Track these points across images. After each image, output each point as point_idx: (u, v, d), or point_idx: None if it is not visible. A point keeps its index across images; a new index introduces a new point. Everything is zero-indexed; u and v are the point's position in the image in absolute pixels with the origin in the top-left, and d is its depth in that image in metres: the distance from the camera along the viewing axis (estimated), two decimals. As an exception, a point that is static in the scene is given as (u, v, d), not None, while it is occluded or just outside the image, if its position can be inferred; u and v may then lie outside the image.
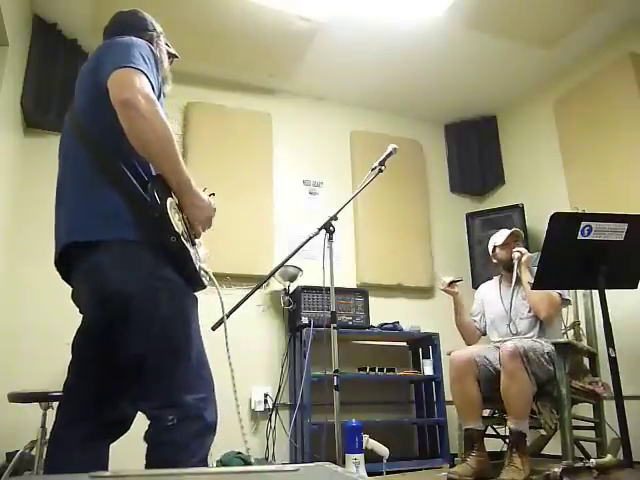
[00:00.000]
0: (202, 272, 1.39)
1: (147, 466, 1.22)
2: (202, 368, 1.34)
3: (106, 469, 1.34)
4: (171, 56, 1.68)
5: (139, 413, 1.40)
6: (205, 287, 1.42)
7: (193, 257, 1.34)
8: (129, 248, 1.27)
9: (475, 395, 2.57)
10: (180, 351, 1.29)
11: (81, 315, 1.41)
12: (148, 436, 1.24)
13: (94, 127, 1.35)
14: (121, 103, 1.24)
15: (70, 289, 1.44)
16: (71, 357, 1.39)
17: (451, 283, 2.89)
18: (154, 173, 1.35)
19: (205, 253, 1.47)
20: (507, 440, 2.58)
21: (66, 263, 1.36)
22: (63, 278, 1.43)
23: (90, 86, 1.38)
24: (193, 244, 1.38)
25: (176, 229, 1.28)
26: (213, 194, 1.49)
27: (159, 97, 1.38)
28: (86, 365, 1.36)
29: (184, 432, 1.22)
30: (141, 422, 1.40)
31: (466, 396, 2.58)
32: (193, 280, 1.36)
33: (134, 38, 1.42)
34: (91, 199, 1.30)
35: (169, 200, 1.30)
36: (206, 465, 1.28)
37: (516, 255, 2.78)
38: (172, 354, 1.27)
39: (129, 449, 1.47)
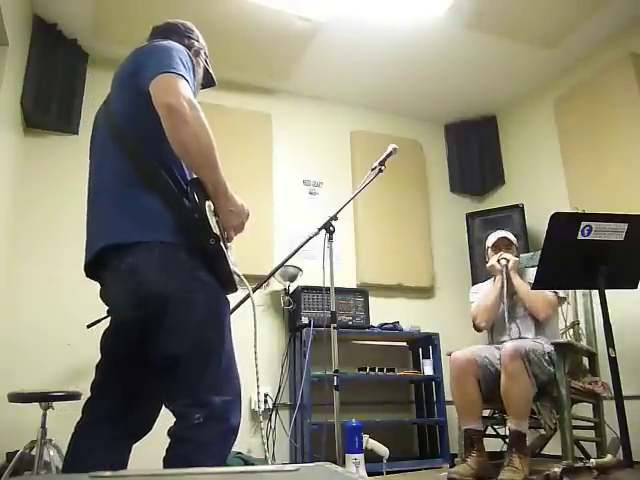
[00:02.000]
0: (235, 275, 1.40)
1: (166, 461, 1.23)
2: (231, 371, 1.35)
3: (126, 468, 1.35)
4: (209, 78, 1.70)
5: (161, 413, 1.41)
6: (237, 290, 1.43)
7: (228, 260, 1.36)
8: (167, 250, 1.28)
9: (475, 395, 2.57)
10: (212, 353, 1.30)
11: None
12: (172, 432, 1.25)
13: (133, 129, 1.35)
14: (165, 108, 1.25)
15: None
16: (100, 357, 1.41)
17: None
18: (189, 177, 1.36)
19: (235, 258, 1.48)
20: (507, 440, 2.57)
21: (97, 262, 1.35)
22: (89, 276, 1.43)
23: (129, 89, 1.38)
24: (227, 248, 1.39)
25: (214, 231, 1.30)
26: None
27: None
28: (115, 366, 1.38)
29: (208, 432, 1.23)
30: (160, 423, 1.41)
31: (466, 396, 2.58)
32: (227, 283, 1.38)
33: (173, 42, 1.43)
34: (129, 201, 1.30)
35: (207, 203, 1.31)
36: (224, 466, 1.29)
37: (502, 262, 2.79)
38: (205, 355, 1.29)
39: (146, 448, 1.48)
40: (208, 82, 1.73)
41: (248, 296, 1.47)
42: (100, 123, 1.47)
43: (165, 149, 1.29)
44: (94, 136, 1.51)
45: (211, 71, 1.71)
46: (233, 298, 1.50)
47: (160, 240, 1.28)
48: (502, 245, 2.88)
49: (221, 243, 1.32)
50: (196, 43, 1.62)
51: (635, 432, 1.98)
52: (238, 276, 1.42)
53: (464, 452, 2.53)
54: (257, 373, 1.43)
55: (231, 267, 1.37)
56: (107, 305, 1.42)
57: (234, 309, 1.81)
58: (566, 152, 3.65)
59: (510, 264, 2.78)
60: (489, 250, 2.93)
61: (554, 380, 2.46)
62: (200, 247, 1.30)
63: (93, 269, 1.39)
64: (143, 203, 1.29)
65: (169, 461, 1.23)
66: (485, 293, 2.90)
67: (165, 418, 1.36)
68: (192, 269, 1.30)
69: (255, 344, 1.43)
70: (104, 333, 1.42)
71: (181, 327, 1.27)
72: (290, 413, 3.35)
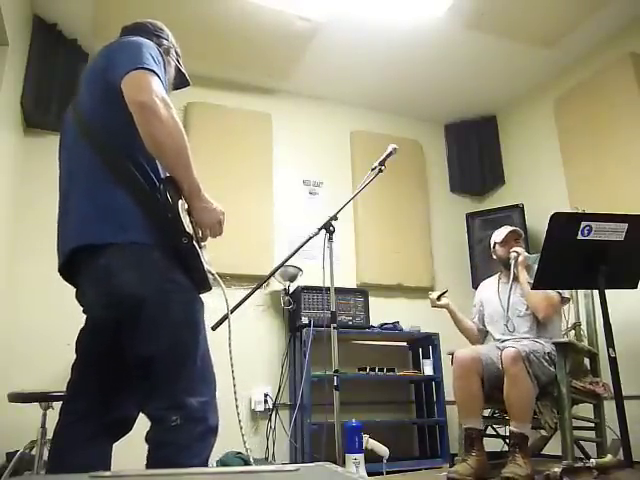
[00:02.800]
0: (209, 274, 1.40)
1: (148, 466, 1.22)
2: (207, 372, 1.34)
3: (108, 469, 1.34)
4: (182, 78, 1.68)
5: (140, 414, 1.40)
6: (211, 289, 1.42)
7: (202, 259, 1.35)
8: (140, 251, 1.27)
9: (478, 393, 2.56)
10: (188, 354, 1.29)
11: (83, 315, 1.41)
12: (150, 437, 1.24)
13: (103, 127, 1.34)
14: (138, 105, 1.24)
15: (72, 289, 1.44)
16: (75, 357, 1.40)
17: (439, 297, 2.91)
18: (162, 175, 1.35)
19: (209, 257, 1.48)
20: (508, 440, 2.57)
21: (71, 265, 1.35)
22: (66, 279, 1.43)
23: (99, 85, 1.36)
24: (200, 247, 1.39)
25: (187, 230, 1.29)
26: None
27: None
28: (91, 365, 1.37)
29: (187, 433, 1.23)
30: (141, 424, 1.40)
31: (469, 394, 2.57)
32: (201, 282, 1.37)
33: (142, 39, 1.42)
34: (100, 201, 1.29)
35: (180, 202, 1.30)
36: (206, 467, 1.28)
37: (513, 255, 2.79)
38: (180, 357, 1.28)
39: (129, 450, 1.48)
40: (182, 82, 1.70)
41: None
42: (68, 124, 1.45)
43: (137, 146, 1.28)
44: (62, 137, 1.49)
45: (184, 70, 1.69)
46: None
47: (132, 241, 1.27)
48: (511, 239, 2.88)
49: (194, 242, 1.31)
50: (165, 41, 1.60)
51: (635, 432, 1.98)
52: (212, 275, 1.41)
53: (464, 451, 2.53)
54: (233, 372, 1.42)
55: (205, 266, 1.36)
56: (82, 305, 1.42)
57: (234, 309, 1.81)
58: (566, 152, 3.64)
59: (520, 258, 2.77)
60: (497, 246, 2.92)
61: (555, 380, 2.46)
62: (173, 246, 1.28)
63: (67, 271, 1.38)
64: (115, 202, 1.28)
65: (152, 466, 1.22)
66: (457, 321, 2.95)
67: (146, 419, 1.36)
68: (166, 270, 1.29)
69: (230, 343, 1.42)
70: (79, 333, 1.41)
71: (156, 328, 1.26)
72: (290, 413, 3.35)
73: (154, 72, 1.29)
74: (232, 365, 1.44)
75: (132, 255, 1.26)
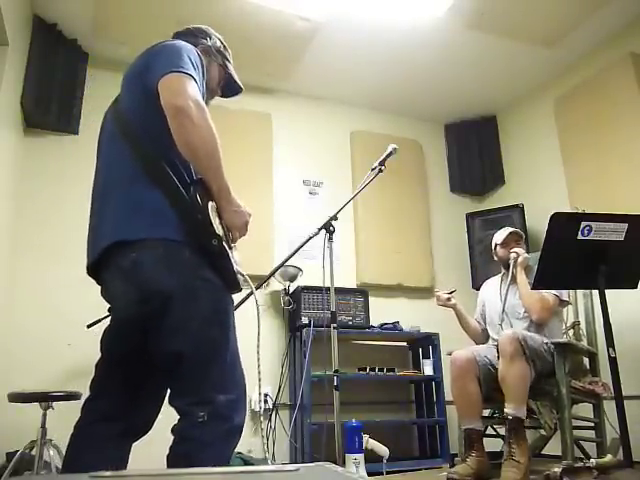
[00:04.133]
0: (239, 275, 1.40)
1: (170, 458, 1.23)
2: (236, 369, 1.35)
3: (125, 469, 1.35)
4: (232, 82, 1.71)
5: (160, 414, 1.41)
6: (241, 290, 1.42)
7: (232, 260, 1.36)
8: (171, 247, 1.28)
9: (476, 395, 2.57)
10: (216, 351, 1.30)
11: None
12: (176, 429, 1.25)
13: (142, 127, 1.35)
14: (173, 108, 1.26)
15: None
16: (100, 355, 1.40)
17: (448, 298, 2.91)
18: (195, 177, 1.36)
19: (239, 258, 1.48)
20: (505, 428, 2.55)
21: (99, 262, 1.35)
22: (92, 276, 1.42)
23: (138, 87, 1.38)
24: (230, 248, 1.39)
25: (217, 231, 1.30)
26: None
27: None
28: (115, 364, 1.37)
29: (212, 430, 1.23)
30: (160, 423, 1.41)
31: (467, 396, 2.58)
32: (231, 282, 1.37)
33: (182, 42, 1.43)
34: (135, 199, 1.30)
35: (210, 204, 1.32)
36: (228, 465, 1.29)
37: (512, 256, 2.80)
38: (209, 353, 1.28)
39: (146, 449, 1.48)
40: (231, 87, 1.73)
41: (251, 293, 1.47)
42: (108, 122, 1.47)
43: (173, 148, 1.29)
44: (102, 135, 1.50)
45: (233, 74, 1.71)
46: (235, 297, 1.50)
47: (164, 237, 1.28)
48: (512, 240, 2.88)
49: (224, 243, 1.32)
50: (204, 41, 1.61)
51: (635, 432, 1.98)
52: (242, 276, 1.41)
53: (464, 452, 2.53)
54: (259, 373, 1.43)
55: (235, 267, 1.37)
56: (109, 303, 1.42)
57: (236, 307, 1.82)
58: (566, 152, 3.65)
59: (520, 259, 2.77)
60: (498, 247, 2.93)
61: (553, 377, 2.46)
62: (203, 246, 1.30)
63: (95, 268, 1.38)
64: (148, 201, 1.29)
65: (172, 459, 1.23)
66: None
67: (166, 418, 1.36)
68: (195, 267, 1.29)
69: (258, 344, 1.42)
70: (105, 331, 1.41)
71: (184, 325, 1.27)
72: (290, 413, 3.35)
73: (190, 75, 1.31)
74: (259, 367, 1.44)
75: (163, 251, 1.27)
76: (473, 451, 2.48)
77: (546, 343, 2.51)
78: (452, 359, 2.67)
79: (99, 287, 1.43)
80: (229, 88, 1.74)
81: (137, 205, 1.30)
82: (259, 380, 1.42)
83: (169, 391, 1.32)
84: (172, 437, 1.25)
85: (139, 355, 1.33)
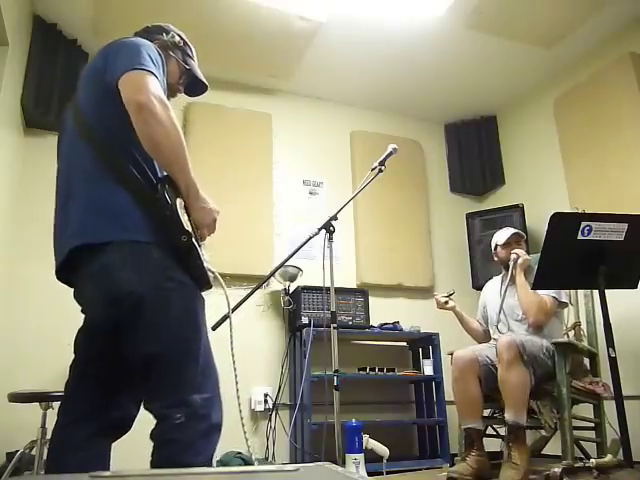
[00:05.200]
0: (209, 272, 1.40)
1: (153, 464, 1.23)
2: (209, 368, 1.34)
3: (107, 469, 1.34)
4: (193, 80, 1.67)
5: (140, 414, 1.40)
6: (212, 287, 1.42)
7: (202, 256, 1.35)
8: (140, 249, 1.27)
9: (476, 394, 2.57)
10: (189, 351, 1.29)
11: (83, 315, 1.41)
12: (155, 434, 1.25)
13: (102, 126, 1.34)
14: (135, 104, 1.25)
15: (69, 289, 1.44)
16: (73, 357, 1.40)
17: (446, 301, 2.91)
18: (160, 174, 1.35)
19: (208, 255, 1.47)
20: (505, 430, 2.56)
21: (68, 265, 1.34)
22: (62, 279, 1.42)
23: (97, 85, 1.37)
24: (199, 245, 1.39)
25: (186, 228, 1.29)
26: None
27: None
28: (89, 365, 1.37)
29: (191, 431, 1.23)
30: (142, 422, 1.40)
31: (467, 395, 2.58)
32: (201, 280, 1.37)
33: (140, 39, 1.42)
34: (98, 198, 1.29)
35: (178, 200, 1.31)
36: (211, 464, 1.29)
37: (513, 257, 2.79)
38: (182, 354, 1.28)
39: (130, 449, 1.48)
40: (196, 85, 1.70)
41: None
42: (68, 122, 1.45)
43: (135, 146, 1.28)
44: (61, 137, 1.49)
45: (196, 71, 1.67)
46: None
47: (132, 239, 1.27)
48: (513, 241, 2.88)
49: (193, 240, 1.31)
50: (167, 41, 1.60)
51: (635, 432, 1.98)
52: (212, 273, 1.41)
53: (464, 451, 2.53)
54: (235, 369, 1.42)
55: (204, 264, 1.36)
56: (80, 305, 1.41)
57: (234, 309, 1.82)
58: (566, 152, 3.64)
59: (520, 260, 2.77)
60: (498, 247, 2.93)
61: (554, 378, 2.46)
62: (173, 245, 1.29)
63: (64, 271, 1.38)
64: (114, 202, 1.28)
65: (156, 464, 1.22)
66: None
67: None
68: (165, 268, 1.29)
69: (232, 342, 1.42)
70: (78, 332, 1.41)
71: (156, 327, 1.26)
72: (290, 413, 3.35)
73: (151, 72, 1.30)
74: (234, 364, 1.45)
75: (132, 253, 1.26)
76: (473, 450, 2.48)
77: (546, 347, 2.50)
78: (454, 359, 2.66)
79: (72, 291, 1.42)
80: (193, 85, 1.71)
81: (101, 206, 1.28)
82: (236, 382, 1.41)
83: (144, 394, 1.31)
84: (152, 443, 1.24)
85: (113, 355, 1.32)
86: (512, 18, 3.27)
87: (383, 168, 2.34)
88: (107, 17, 3.20)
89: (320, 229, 2.20)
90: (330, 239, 2.21)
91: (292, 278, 3.40)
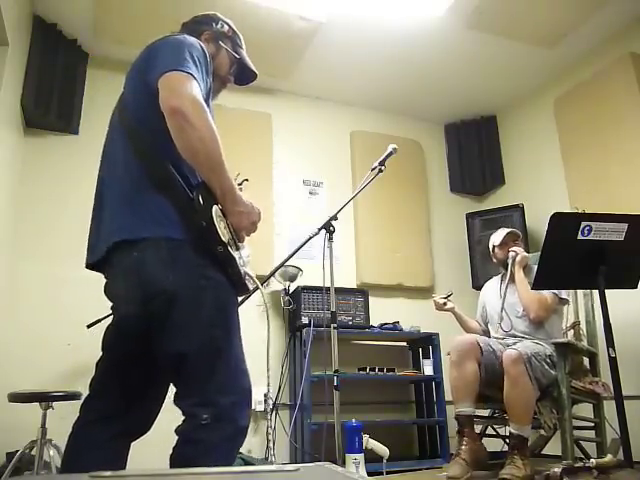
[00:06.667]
0: (247, 276, 1.38)
1: (173, 458, 1.22)
2: (240, 370, 1.32)
3: (124, 468, 1.34)
4: (243, 68, 1.66)
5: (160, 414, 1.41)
6: (248, 291, 1.40)
7: (238, 264, 1.34)
8: (174, 246, 1.26)
9: (473, 377, 2.52)
10: (220, 352, 1.28)
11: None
12: (180, 431, 1.24)
13: (145, 128, 1.33)
14: (170, 109, 1.23)
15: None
16: (101, 354, 1.39)
17: (444, 302, 2.91)
18: (199, 179, 1.33)
19: (248, 255, 1.45)
20: (507, 441, 2.56)
21: (102, 261, 1.33)
22: (93, 269, 1.41)
23: (140, 86, 1.35)
24: (237, 249, 1.37)
25: (222, 238, 1.28)
26: (246, 179, 1.46)
27: (207, 99, 1.36)
28: (116, 363, 1.36)
29: (216, 433, 1.22)
30: (159, 423, 1.41)
31: (463, 378, 2.53)
32: (237, 285, 1.36)
33: (186, 36, 1.40)
34: (138, 200, 1.28)
35: (214, 208, 1.29)
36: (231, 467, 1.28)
37: (511, 255, 2.80)
38: (213, 354, 1.26)
39: (145, 448, 1.48)
40: (245, 74, 1.69)
41: (248, 297, 1.47)
42: (115, 121, 1.44)
43: (175, 150, 1.27)
44: (109, 134, 1.48)
45: (246, 60, 1.66)
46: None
47: (167, 236, 1.26)
48: (510, 240, 2.89)
49: (229, 248, 1.30)
50: (210, 27, 1.58)
51: (635, 432, 1.98)
52: (250, 277, 1.39)
53: (457, 445, 2.49)
54: (268, 371, 1.42)
55: (241, 269, 1.35)
56: (111, 301, 1.40)
57: (240, 303, 1.81)
58: (566, 152, 3.64)
59: (518, 258, 2.78)
60: (495, 248, 2.93)
61: (555, 381, 2.46)
62: (208, 249, 1.28)
63: (97, 265, 1.37)
64: (153, 202, 1.27)
65: (176, 460, 1.22)
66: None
67: (167, 418, 1.36)
68: (199, 265, 1.27)
69: (268, 345, 1.42)
70: (106, 330, 1.40)
71: (188, 325, 1.25)
72: (290, 413, 3.35)
73: (191, 74, 1.27)
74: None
75: (167, 249, 1.25)
76: (464, 440, 2.45)
77: (549, 356, 2.50)
78: (454, 343, 2.63)
79: (101, 286, 1.41)
80: (242, 74, 1.68)
81: (140, 205, 1.28)
82: (267, 378, 1.41)
83: (175, 391, 1.30)
84: (175, 437, 1.25)
85: (140, 355, 1.32)
86: (513, 18, 3.27)
87: (383, 168, 2.34)
88: (107, 17, 3.20)
89: (320, 229, 2.20)
90: (330, 239, 2.22)
91: (292, 278, 3.40)
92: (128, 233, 1.27)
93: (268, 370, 1.45)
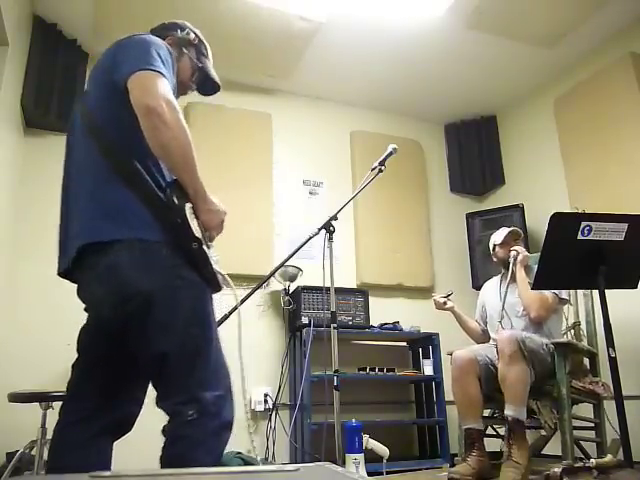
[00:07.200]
0: (218, 275, 1.39)
1: (163, 459, 1.23)
2: (220, 365, 1.33)
3: (109, 468, 1.34)
4: (206, 78, 1.65)
5: (140, 414, 1.41)
6: (221, 289, 1.41)
7: (212, 261, 1.35)
8: (148, 247, 1.26)
9: (476, 394, 2.57)
10: (200, 348, 1.29)
11: (83, 314, 1.40)
12: (167, 430, 1.25)
13: (109, 125, 1.32)
14: (145, 109, 1.23)
15: (72, 289, 1.43)
16: (77, 356, 1.39)
17: (445, 302, 2.92)
18: (168, 178, 1.34)
19: (216, 255, 1.46)
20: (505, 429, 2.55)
21: (73, 263, 1.33)
22: (65, 277, 1.41)
23: (105, 84, 1.35)
24: (208, 247, 1.38)
25: (197, 235, 1.29)
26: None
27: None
28: (92, 364, 1.36)
29: (202, 428, 1.23)
30: (142, 423, 1.40)
31: (467, 395, 2.58)
32: (211, 282, 1.36)
33: (151, 36, 1.40)
34: (107, 200, 1.28)
35: (187, 205, 1.30)
36: (220, 462, 1.29)
37: (512, 254, 2.80)
38: (193, 351, 1.28)
39: (131, 448, 1.48)
40: (208, 84, 1.68)
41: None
42: (77, 121, 1.43)
43: (144, 148, 1.26)
44: (70, 135, 1.47)
45: (209, 70, 1.65)
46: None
47: (140, 237, 1.26)
48: (511, 240, 2.89)
49: (203, 246, 1.31)
50: (179, 38, 1.58)
51: (635, 432, 1.98)
52: (222, 276, 1.40)
53: (464, 452, 2.53)
54: (241, 358, 1.42)
55: (214, 267, 1.36)
56: (84, 303, 1.40)
57: (234, 309, 1.81)
58: (566, 152, 3.64)
59: (520, 257, 2.78)
60: (496, 247, 2.93)
61: (554, 378, 2.46)
62: (181, 246, 1.28)
63: (69, 270, 1.36)
64: (122, 202, 1.26)
65: (165, 460, 1.22)
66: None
67: (160, 418, 1.36)
68: (174, 266, 1.28)
69: (240, 343, 1.42)
70: (81, 331, 1.40)
71: (167, 325, 1.25)
72: (290, 413, 3.35)
73: (161, 73, 1.28)
74: (242, 364, 1.45)
75: (140, 251, 1.25)
76: (474, 450, 2.48)
77: (546, 344, 2.51)
78: (453, 359, 2.67)
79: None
80: (206, 84, 1.68)
81: (110, 206, 1.27)
82: (241, 371, 1.40)
83: (155, 393, 1.30)
84: (163, 438, 1.25)
85: (117, 355, 1.32)
86: (513, 18, 3.27)
87: (383, 168, 2.34)
88: (107, 17, 3.20)
89: (320, 229, 2.20)
90: (330, 239, 2.21)
91: (292, 278, 3.40)
92: (99, 235, 1.26)
93: (241, 357, 1.44)
